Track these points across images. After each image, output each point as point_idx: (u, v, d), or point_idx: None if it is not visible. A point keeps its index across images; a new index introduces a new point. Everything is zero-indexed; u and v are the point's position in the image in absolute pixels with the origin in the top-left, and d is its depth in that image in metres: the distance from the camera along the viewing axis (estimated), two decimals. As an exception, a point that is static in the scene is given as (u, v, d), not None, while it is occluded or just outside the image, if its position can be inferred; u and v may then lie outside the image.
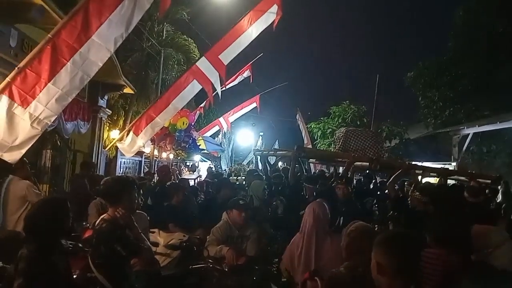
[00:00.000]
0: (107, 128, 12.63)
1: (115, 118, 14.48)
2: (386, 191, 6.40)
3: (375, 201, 6.32)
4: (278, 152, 9.74)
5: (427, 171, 5.96)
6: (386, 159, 7.83)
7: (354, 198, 5.04)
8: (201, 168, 20.27)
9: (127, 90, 10.52)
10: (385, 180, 6.93)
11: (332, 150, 8.90)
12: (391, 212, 4.30)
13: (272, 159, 10.95)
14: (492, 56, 16.59)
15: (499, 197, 9.48)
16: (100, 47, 4.81)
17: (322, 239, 2.93)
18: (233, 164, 20.39)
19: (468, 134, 13.45)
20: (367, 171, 7.36)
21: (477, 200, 4.82)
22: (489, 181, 5.71)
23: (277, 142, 24.17)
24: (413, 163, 10.91)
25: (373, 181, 7.82)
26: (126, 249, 2.60)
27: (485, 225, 2.85)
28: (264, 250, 4.39)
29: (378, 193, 7.05)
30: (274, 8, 8.00)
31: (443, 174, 5.66)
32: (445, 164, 13.73)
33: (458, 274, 2.24)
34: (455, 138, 14.00)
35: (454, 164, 13.63)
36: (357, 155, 6.73)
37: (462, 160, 14.02)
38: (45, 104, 4.50)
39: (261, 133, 27.44)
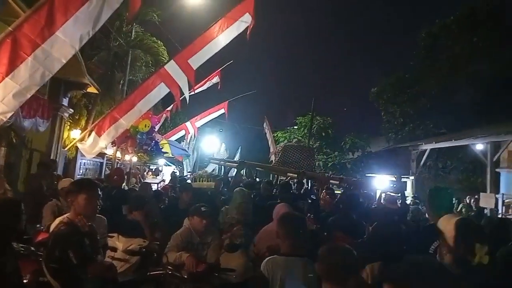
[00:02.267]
0: (68, 127, 12.19)
1: (77, 117, 13.98)
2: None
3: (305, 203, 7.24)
4: (227, 162, 11.66)
5: (342, 182, 7.66)
6: (311, 172, 9.10)
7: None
8: (165, 173, 19.90)
9: (91, 89, 10.22)
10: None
11: (274, 161, 10.01)
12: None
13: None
14: (450, 78, 17.55)
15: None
16: (64, 43, 4.65)
17: None
18: (196, 170, 20.14)
19: (426, 150, 14.07)
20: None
21: (395, 206, 6.37)
22: None
23: (239, 150, 24.20)
24: (372, 175, 11.99)
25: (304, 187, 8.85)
26: (78, 257, 2.49)
27: None
28: None
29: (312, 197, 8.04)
30: (246, 17, 8.04)
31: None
32: (403, 177, 14.30)
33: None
34: (413, 153, 14.62)
35: (412, 177, 14.20)
36: (293, 166, 8.38)
37: (419, 174, 14.65)
38: (1, 99, 4.30)
39: (223, 143, 27.36)
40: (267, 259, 2.84)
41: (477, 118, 15.76)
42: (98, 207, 2.85)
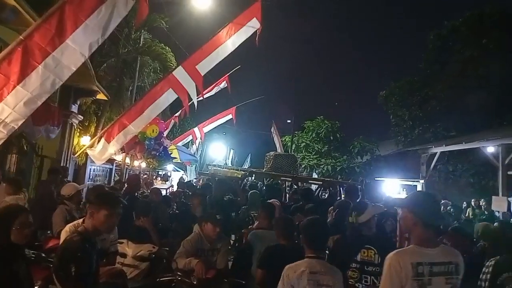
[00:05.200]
0: (78, 134, 12.31)
1: (86, 124, 14.12)
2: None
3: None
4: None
5: (311, 181, 11.48)
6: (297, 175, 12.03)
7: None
8: (173, 178, 19.97)
9: (101, 96, 10.32)
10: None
11: (266, 167, 12.03)
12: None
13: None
14: (460, 80, 17.34)
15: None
16: (74, 51, 4.70)
17: None
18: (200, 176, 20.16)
19: (436, 153, 13.88)
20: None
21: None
22: None
23: (249, 156, 24.17)
24: (381, 178, 12.64)
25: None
26: (78, 272, 2.42)
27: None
28: None
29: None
30: (254, 22, 8.04)
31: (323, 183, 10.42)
32: (414, 181, 14.14)
33: None
34: (423, 157, 14.43)
35: (422, 181, 14.02)
36: (282, 171, 11.11)
37: (429, 178, 14.45)
38: (12, 107, 4.34)
39: (233, 149, 27.27)
40: (251, 232, 4.28)
41: (488, 120, 15.54)
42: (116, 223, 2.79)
